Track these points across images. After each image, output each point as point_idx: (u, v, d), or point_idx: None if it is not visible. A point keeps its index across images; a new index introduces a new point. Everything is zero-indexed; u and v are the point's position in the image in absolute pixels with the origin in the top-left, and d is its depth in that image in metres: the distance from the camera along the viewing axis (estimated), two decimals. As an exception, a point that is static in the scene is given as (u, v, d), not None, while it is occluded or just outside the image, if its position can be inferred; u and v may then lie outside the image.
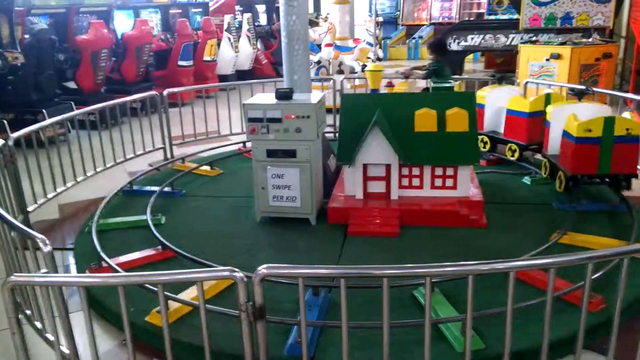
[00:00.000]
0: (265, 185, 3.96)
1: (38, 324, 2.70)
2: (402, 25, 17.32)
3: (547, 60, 7.99)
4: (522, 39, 8.95)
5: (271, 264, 1.94)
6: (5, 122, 5.90)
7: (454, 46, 9.61)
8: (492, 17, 15.23)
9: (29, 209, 4.29)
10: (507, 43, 9.31)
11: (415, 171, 4.07)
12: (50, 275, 2.01)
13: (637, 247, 2.02)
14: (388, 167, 4.01)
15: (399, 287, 2.96)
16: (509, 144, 5.24)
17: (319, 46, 8.74)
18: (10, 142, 4.01)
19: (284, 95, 3.89)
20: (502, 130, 5.37)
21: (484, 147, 5.43)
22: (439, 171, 4.06)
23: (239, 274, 1.90)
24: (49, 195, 4.56)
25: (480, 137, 5.27)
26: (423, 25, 16.89)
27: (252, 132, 3.88)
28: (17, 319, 2.00)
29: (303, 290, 1.97)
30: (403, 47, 16.04)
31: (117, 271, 3.20)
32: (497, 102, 5.32)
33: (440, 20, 16.80)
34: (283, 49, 4.45)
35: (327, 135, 5.19)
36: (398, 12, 17.69)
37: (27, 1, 7.30)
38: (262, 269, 1.91)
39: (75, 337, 2.15)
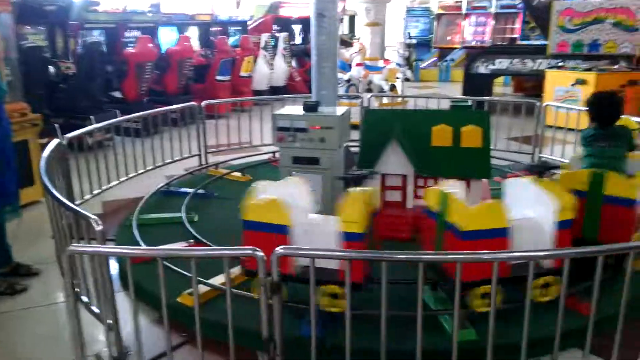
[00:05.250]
0: (290, 189, 4.29)
1: (85, 298, 3.08)
2: (434, 47, 17.61)
3: (573, 85, 8.19)
4: (549, 64, 9.16)
5: (287, 246, 2.27)
6: (56, 125, 6.45)
7: (482, 69, 9.89)
8: (525, 42, 15.39)
9: (76, 203, 4.74)
10: (534, 68, 9.53)
11: (430, 183, 4.34)
12: (100, 247, 2.38)
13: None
14: (404, 177, 4.31)
15: (405, 284, 3.20)
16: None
17: (350, 65, 9.12)
18: (64, 142, 4.47)
19: (311, 108, 4.25)
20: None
21: None
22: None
23: (260, 253, 2.23)
24: (94, 192, 5.02)
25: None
26: (455, 48, 17.15)
27: (280, 140, 4.24)
28: (72, 283, 2.37)
29: (314, 270, 2.29)
30: (434, 69, 16.33)
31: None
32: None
33: (473, 44, 17.01)
34: (313, 66, 4.82)
35: (353, 149, 5.52)
36: (432, 35, 18.00)
37: (80, 16, 7.92)
38: (280, 249, 2.24)
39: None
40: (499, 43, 16.24)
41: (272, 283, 2.24)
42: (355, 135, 6.66)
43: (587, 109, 4.00)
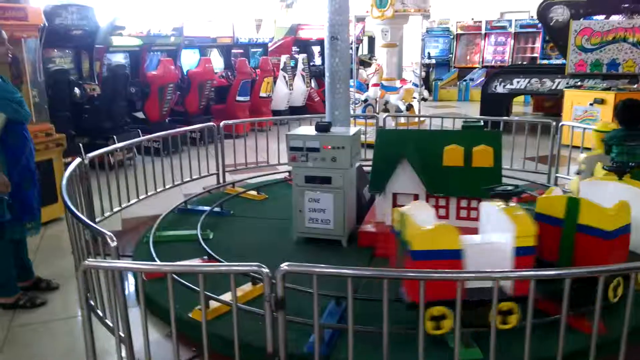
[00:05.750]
0: (302, 208, 4.38)
1: (100, 312, 3.17)
2: (454, 67, 17.65)
3: (591, 104, 8.15)
4: (567, 83, 9.12)
5: (292, 263, 2.33)
6: (80, 145, 6.66)
7: (499, 89, 9.89)
8: (545, 61, 15.35)
9: (96, 220, 4.89)
10: (553, 87, 9.50)
11: (442, 202, 4.38)
12: (114, 262, 2.48)
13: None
14: (416, 197, 4.34)
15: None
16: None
17: (368, 86, 9.22)
18: (86, 161, 4.64)
19: (323, 128, 4.34)
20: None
21: None
22: (464, 203, 4.35)
23: (265, 270, 2.30)
24: (114, 209, 5.16)
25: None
26: (475, 68, 17.16)
27: (292, 159, 4.34)
28: (86, 296, 2.47)
29: (317, 287, 2.34)
30: (454, 88, 16.35)
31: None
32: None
33: (493, 63, 17.01)
34: (326, 87, 4.94)
35: (366, 168, 5.58)
36: (451, 55, 18.06)
37: (105, 40, 8.19)
38: (284, 266, 2.31)
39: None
40: (518, 62, 16.23)
41: (277, 299, 2.30)
42: (372, 154, 6.75)
43: (616, 113, 4.67)
